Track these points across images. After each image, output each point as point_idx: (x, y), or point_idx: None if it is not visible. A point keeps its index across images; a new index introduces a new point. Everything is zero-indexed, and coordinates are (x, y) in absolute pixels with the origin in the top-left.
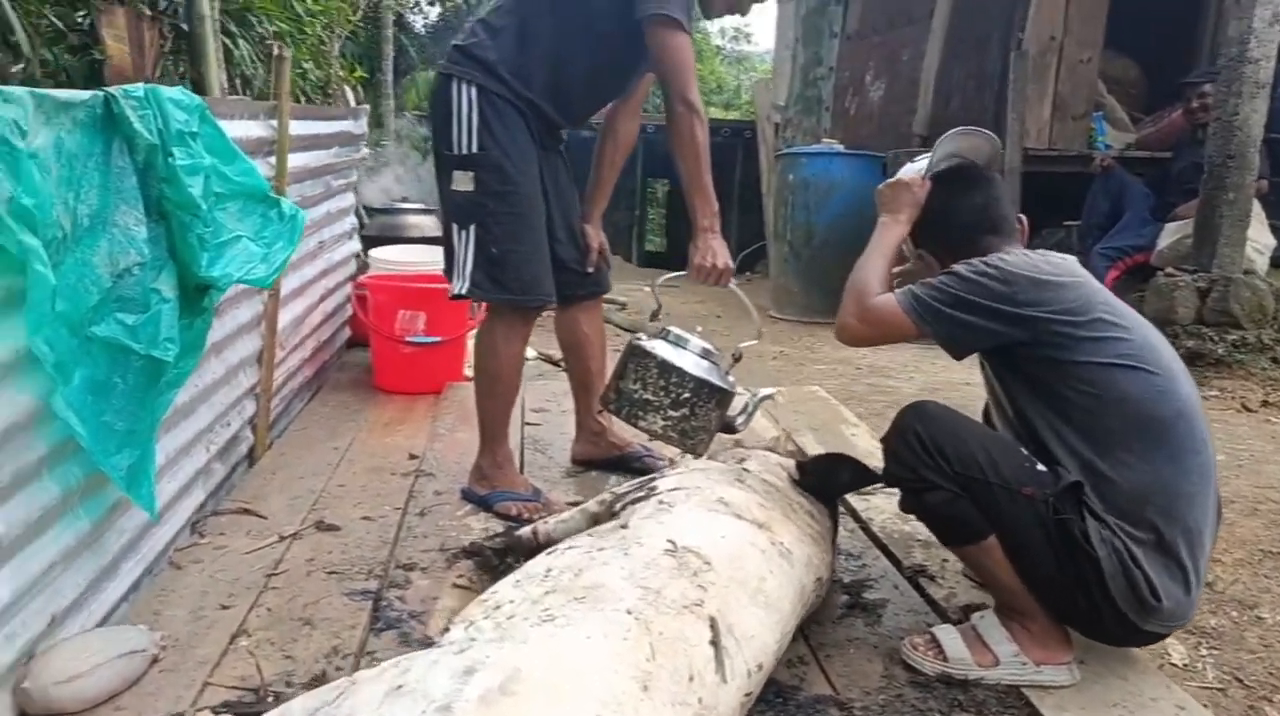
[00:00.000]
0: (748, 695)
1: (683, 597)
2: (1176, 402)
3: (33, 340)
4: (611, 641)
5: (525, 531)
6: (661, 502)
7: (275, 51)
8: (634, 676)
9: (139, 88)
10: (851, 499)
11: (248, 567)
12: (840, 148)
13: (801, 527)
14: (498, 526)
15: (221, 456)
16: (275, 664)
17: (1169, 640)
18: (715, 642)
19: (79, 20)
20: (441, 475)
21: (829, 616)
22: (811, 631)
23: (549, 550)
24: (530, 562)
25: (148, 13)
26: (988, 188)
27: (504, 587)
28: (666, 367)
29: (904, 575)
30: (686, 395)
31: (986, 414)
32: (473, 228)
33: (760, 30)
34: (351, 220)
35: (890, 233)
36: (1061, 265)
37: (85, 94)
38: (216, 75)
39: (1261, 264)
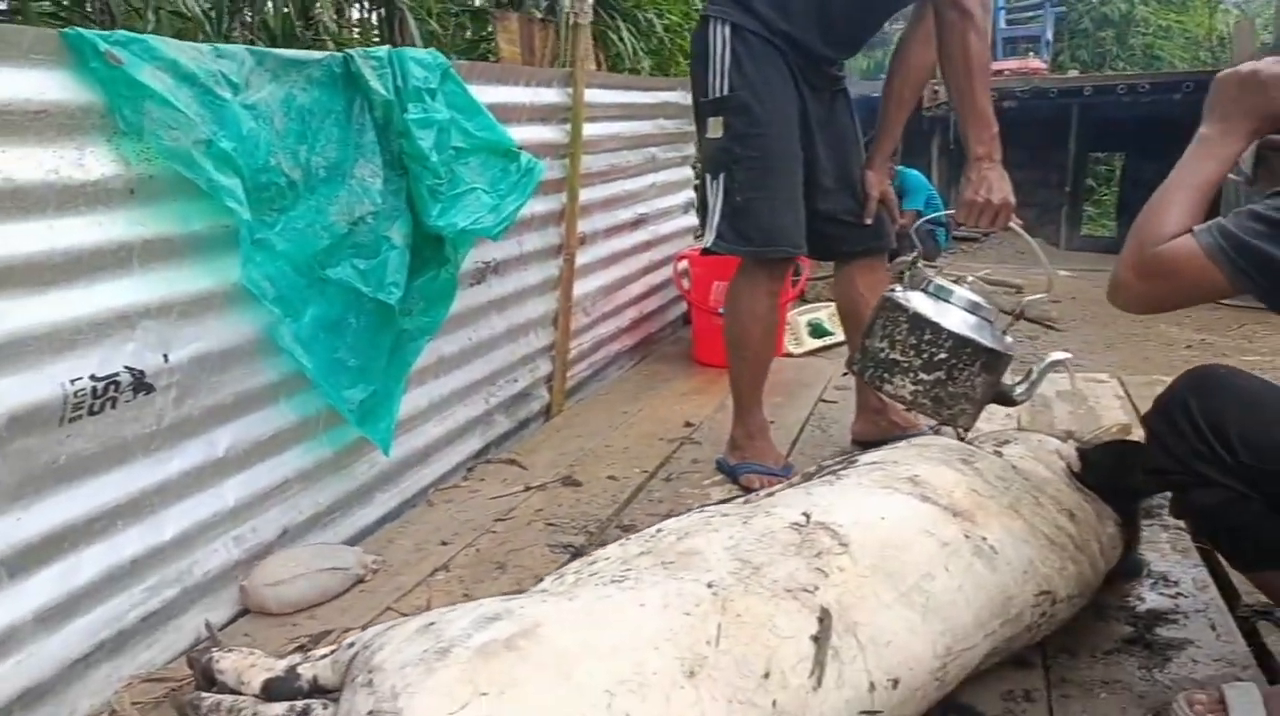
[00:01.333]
0: (866, 715)
1: (788, 579)
2: None
3: (245, 272)
4: (670, 614)
5: None
6: (838, 474)
7: (571, 20)
8: (680, 657)
9: (381, 49)
10: None
11: (484, 512)
12: None
13: (1033, 525)
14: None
15: (506, 409)
16: (452, 599)
17: None
18: (819, 638)
19: (488, 31)
20: (707, 444)
21: (1096, 647)
22: (1058, 662)
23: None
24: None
25: (538, 16)
26: None
27: (612, 546)
28: (919, 322)
29: (1235, 615)
30: (942, 355)
31: None
32: (722, 176)
33: None
34: (687, 194)
35: (1215, 150)
36: None
37: (321, 54)
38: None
39: None
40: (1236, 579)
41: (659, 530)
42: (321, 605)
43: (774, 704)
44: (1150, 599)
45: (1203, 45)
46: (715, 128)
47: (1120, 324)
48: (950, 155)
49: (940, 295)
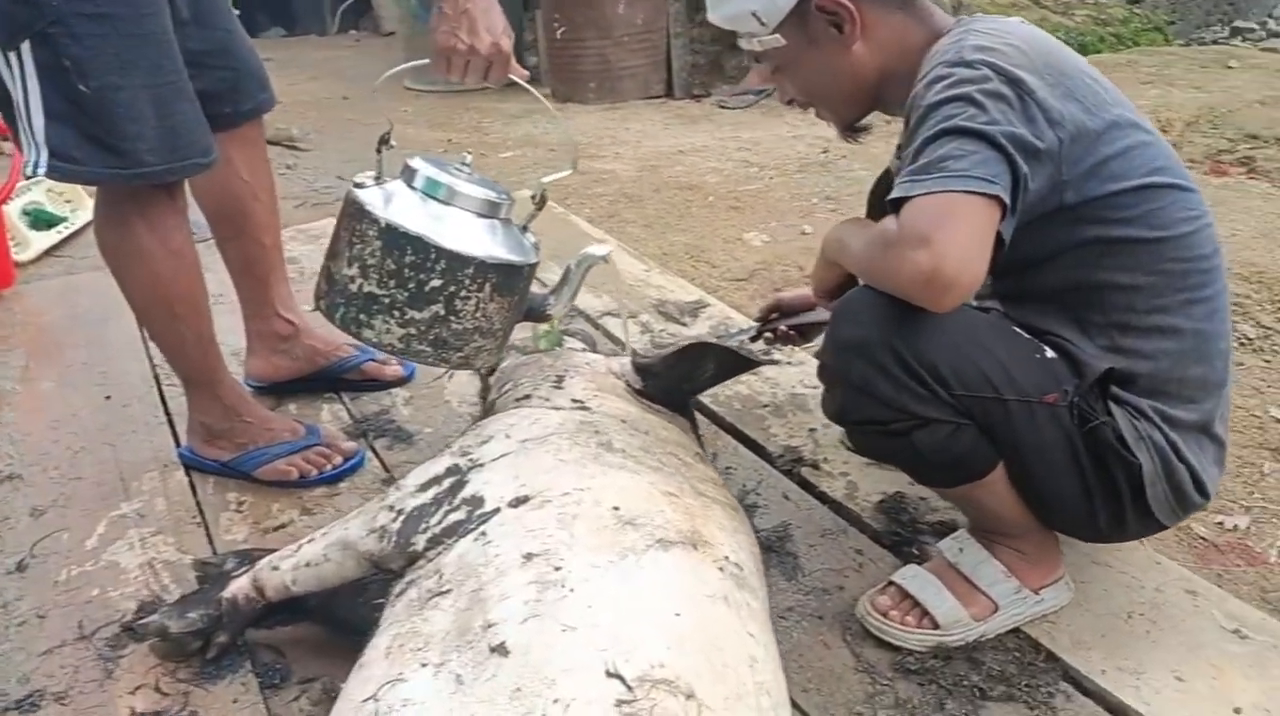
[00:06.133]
0: None
1: None
2: (1208, 226)
3: None
4: None
5: (240, 586)
6: (530, 555)
7: None
8: None
9: None
10: None
11: None
12: None
13: (715, 497)
14: (173, 559)
15: None
16: None
17: None
18: None
19: None
20: (37, 471)
21: None
22: None
23: None
24: None
25: None
26: None
27: None
28: (396, 237)
29: (779, 469)
30: (436, 282)
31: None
32: (29, 50)
33: None
34: None
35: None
36: (1034, 36)
37: None
38: None
39: None
40: (743, 426)
41: None
42: None
43: None
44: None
45: None
46: None
47: (361, 135)
48: None
49: (428, 190)
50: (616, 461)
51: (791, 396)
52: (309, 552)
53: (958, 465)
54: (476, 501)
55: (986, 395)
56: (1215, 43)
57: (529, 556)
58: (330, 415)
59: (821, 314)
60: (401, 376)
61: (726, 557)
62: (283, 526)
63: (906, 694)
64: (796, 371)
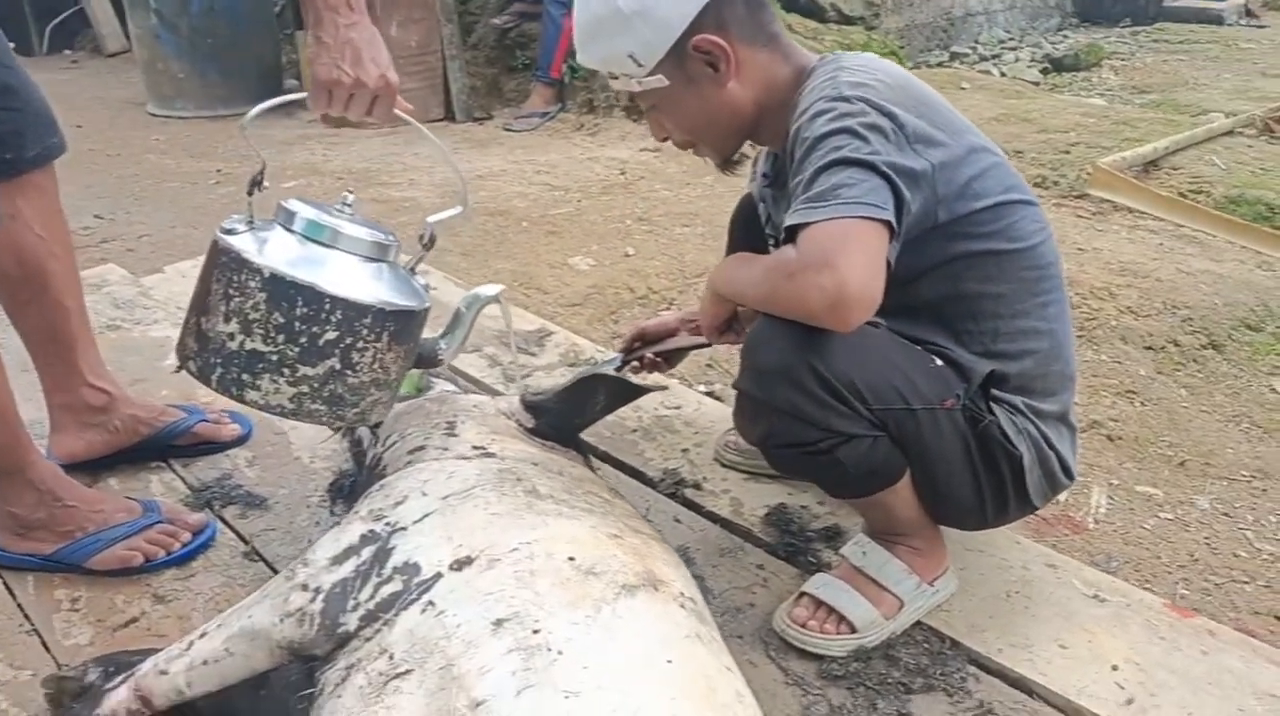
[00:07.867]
0: None
1: None
2: (1050, 237)
3: None
4: None
5: (119, 700)
6: (500, 620)
7: None
8: None
9: None
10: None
11: None
12: None
13: (647, 532)
14: (6, 678)
15: None
16: None
17: None
18: None
19: None
20: None
21: None
22: None
23: None
24: None
25: None
26: None
27: None
28: (284, 288)
29: (662, 493)
30: (331, 334)
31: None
32: None
33: None
34: None
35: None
36: (895, 71)
37: None
38: None
39: None
40: (617, 453)
41: None
42: None
43: None
44: None
45: None
46: None
47: (107, 167)
48: None
49: (309, 232)
50: (550, 508)
51: (657, 419)
52: (205, 649)
53: (875, 474)
54: (411, 568)
55: (898, 406)
56: (940, 65)
57: (499, 622)
58: (162, 486)
59: (683, 339)
60: (240, 435)
61: (682, 593)
62: (134, 620)
63: (839, 700)
64: (657, 393)
